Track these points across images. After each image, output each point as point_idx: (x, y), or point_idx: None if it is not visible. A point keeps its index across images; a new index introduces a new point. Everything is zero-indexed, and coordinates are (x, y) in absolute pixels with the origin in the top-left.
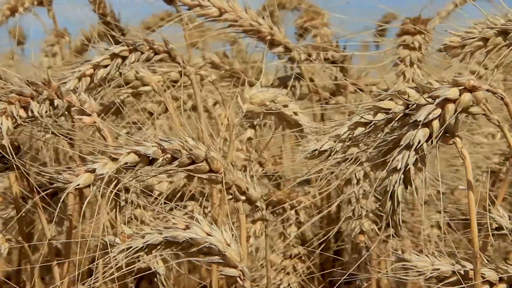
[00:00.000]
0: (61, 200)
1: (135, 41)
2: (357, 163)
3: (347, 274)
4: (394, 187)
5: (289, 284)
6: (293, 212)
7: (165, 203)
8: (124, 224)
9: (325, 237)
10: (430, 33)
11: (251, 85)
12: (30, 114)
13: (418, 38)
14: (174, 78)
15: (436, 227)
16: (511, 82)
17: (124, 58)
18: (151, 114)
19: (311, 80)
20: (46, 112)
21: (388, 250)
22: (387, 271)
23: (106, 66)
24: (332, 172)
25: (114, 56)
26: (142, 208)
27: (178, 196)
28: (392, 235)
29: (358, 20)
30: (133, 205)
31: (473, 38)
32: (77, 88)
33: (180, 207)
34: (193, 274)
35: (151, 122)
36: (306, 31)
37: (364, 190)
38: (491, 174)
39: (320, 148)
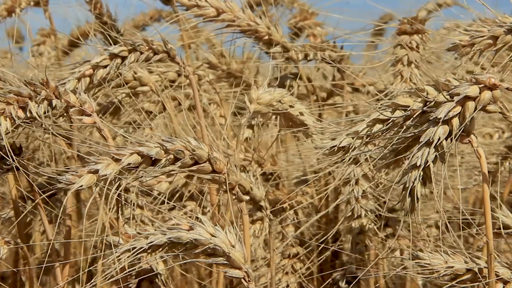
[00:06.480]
0: (62, 201)
1: (134, 41)
2: (372, 161)
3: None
4: (413, 183)
5: (288, 285)
6: (291, 212)
7: (164, 202)
8: (124, 224)
9: (324, 237)
10: (427, 32)
11: (249, 85)
12: (28, 114)
13: (415, 38)
14: (172, 78)
15: (434, 227)
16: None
17: (123, 58)
18: (148, 113)
19: (309, 80)
20: (44, 112)
21: (388, 249)
22: (395, 269)
23: (105, 67)
24: (329, 173)
25: (113, 56)
26: (141, 208)
27: (177, 196)
28: (393, 235)
29: (354, 20)
30: (133, 205)
31: (483, 36)
32: (76, 89)
33: (180, 207)
34: (191, 274)
35: (149, 122)
36: (301, 30)
37: (364, 190)
38: (489, 174)
39: (339, 144)
